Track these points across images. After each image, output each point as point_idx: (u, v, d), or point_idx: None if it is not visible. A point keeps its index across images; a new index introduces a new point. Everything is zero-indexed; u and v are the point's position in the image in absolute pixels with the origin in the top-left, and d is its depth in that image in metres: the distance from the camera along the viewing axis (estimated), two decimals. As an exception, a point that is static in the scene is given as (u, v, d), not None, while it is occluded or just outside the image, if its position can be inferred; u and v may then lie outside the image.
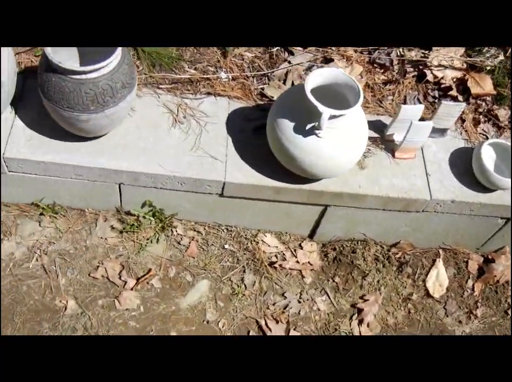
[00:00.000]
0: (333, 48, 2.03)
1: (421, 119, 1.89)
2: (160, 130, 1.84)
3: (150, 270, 1.91)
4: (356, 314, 1.99)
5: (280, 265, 1.98)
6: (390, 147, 1.93)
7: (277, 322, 1.93)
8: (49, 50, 1.57)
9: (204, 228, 1.99)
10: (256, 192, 1.83)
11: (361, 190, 1.84)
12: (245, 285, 1.96)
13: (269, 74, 1.96)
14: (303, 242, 2.04)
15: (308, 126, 1.67)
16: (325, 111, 1.60)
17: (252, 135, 1.86)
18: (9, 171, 1.81)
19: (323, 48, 2.02)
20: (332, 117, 1.62)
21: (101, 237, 1.94)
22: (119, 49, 1.60)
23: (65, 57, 1.64)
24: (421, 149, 1.95)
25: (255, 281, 1.97)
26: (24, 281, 1.87)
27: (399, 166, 1.91)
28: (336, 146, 1.69)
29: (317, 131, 1.66)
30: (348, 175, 1.83)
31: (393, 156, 1.92)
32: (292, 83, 1.96)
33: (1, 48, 1.64)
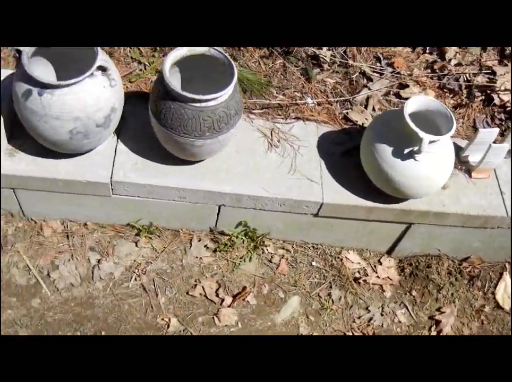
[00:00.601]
0: (405, 74, 2.16)
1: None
2: (257, 154, 1.93)
3: (245, 287, 1.99)
4: (434, 326, 2.10)
5: (364, 280, 2.09)
6: (466, 167, 2.06)
7: (363, 334, 2.03)
8: (168, 78, 1.65)
9: (293, 247, 2.09)
10: (350, 212, 1.93)
11: (445, 209, 1.96)
12: (332, 300, 2.05)
13: (351, 99, 2.07)
14: (381, 258, 2.15)
15: (407, 150, 1.78)
16: (425, 137, 1.72)
17: (341, 157, 1.97)
18: (113, 194, 1.88)
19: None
20: (430, 142, 1.74)
21: (196, 257, 2.01)
22: (235, 78, 1.69)
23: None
24: (494, 170, 2.08)
25: (341, 296, 2.07)
26: (125, 301, 1.93)
27: (476, 185, 2.04)
28: (431, 168, 1.80)
29: (415, 155, 1.77)
30: (433, 194, 1.95)
31: (470, 176, 2.05)
32: (373, 108, 2.08)
33: (114, 72, 1.71)
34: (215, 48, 1.73)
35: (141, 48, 2.02)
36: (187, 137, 1.71)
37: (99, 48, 1.67)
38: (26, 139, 1.84)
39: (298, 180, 1.90)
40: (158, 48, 2.03)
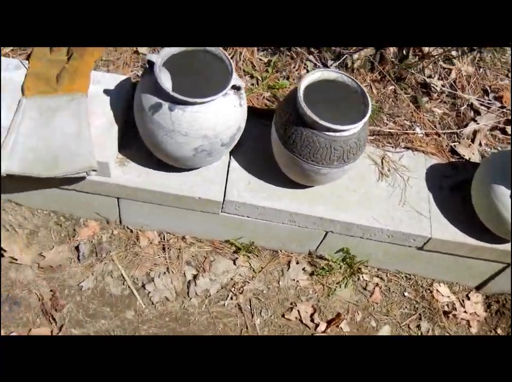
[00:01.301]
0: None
1: None
2: (368, 182, 1.90)
3: (339, 314, 1.97)
4: (516, 365, 2.10)
5: (454, 315, 2.08)
6: None
7: (449, 369, 2.02)
8: (305, 105, 1.61)
9: (386, 275, 2.07)
10: (454, 248, 1.91)
11: (547, 252, 1.95)
12: (421, 332, 2.04)
13: (458, 132, 2.04)
14: (469, 292, 2.14)
15: (525, 194, 1.77)
16: (549, 183, 1.71)
17: (448, 191, 1.95)
18: (221, 212, 1.84)
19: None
20: (552, 189, 1.73)
21: (293, 279, 1.98)
22: (369, 109, 1.65)
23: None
24: None
25: (429, 329, 2.06)
26: (220, 319, 1.90)
27: None
28: (548, 214, 1.79)
29: (535, 200, 1.76)
30: (537, 237, 1.94)
31: None
32: (480, 143, 2.05)
33: (244, 91, 1.67)
34: (348, 75, 1.69)
35: (253, 62, 1.96)
36: (314, 164, 1.68)
37: (233, 65, 1.63)
38: (138, 149, 1.79)
39: (408, 212, 1.88)
40: (271, 63, 1.98)
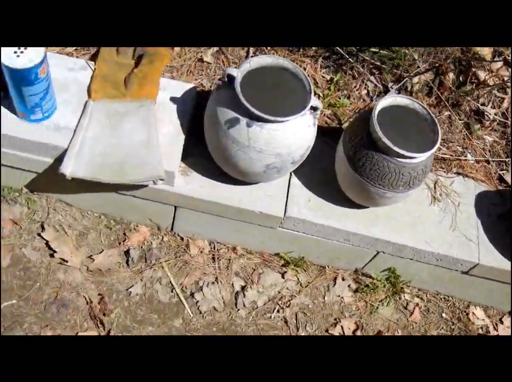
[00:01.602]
0: (553, 141, 2.19)
1: None
2: (422, 206, 1.93)
3: (380, 331, 2.00)
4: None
5: (487, 338, 2.13)
6: None
7: (480, 390, 2.07)
8: (380, 130, 1.63)
9: (426, 296, 2.11)
10: (497, 275, 1.96)
11: None
12: (456, 353, 2.09)
13: (506, 161, 2.09)
14: (503, 316, 2.20)
15: None
16: None
17: (496, 219, 1.99)
18: (279, 227, 1.85)
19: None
20: None
21: (338, 295, 2.01)
22: (439, 138, 1.67)
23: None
24: None
25: (463, 350, 2.10)
26: (266, 332, 1.92)
27: None
28: None
29: None
30: None
31: None
32: (527, 174, 2.10)
33: (317, 112, 1.67)
34: (419, 103, 1.71)
35: (316, 78, 1.97)
36: (380, 188, 1.70)
37: (311, 85, 1.63)
38: (200, 159, 1.79)
39: (457, 238, 1.92)
40: (333, 81, 1.99)
